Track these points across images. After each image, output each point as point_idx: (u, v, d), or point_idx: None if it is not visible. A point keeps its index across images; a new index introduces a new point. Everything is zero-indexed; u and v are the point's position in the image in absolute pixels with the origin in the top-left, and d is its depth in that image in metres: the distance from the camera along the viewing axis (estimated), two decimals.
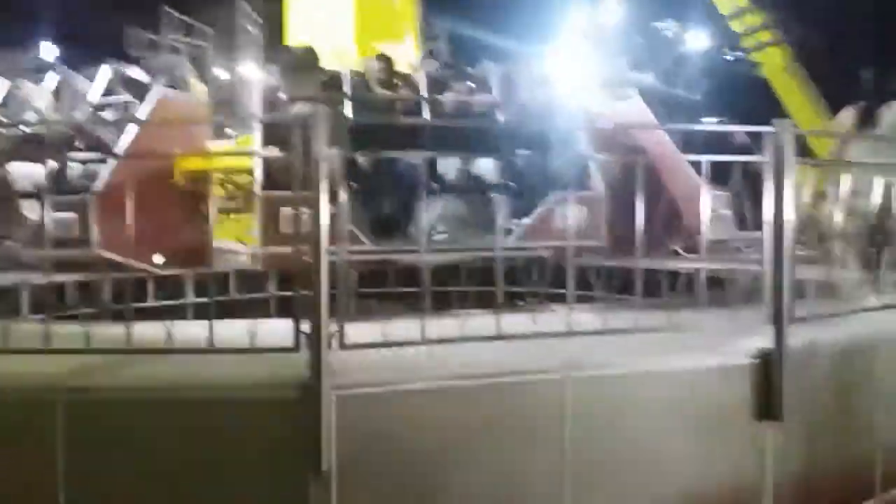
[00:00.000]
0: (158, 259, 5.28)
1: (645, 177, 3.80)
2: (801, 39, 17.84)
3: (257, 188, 5.33)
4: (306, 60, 6.10)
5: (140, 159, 5.18)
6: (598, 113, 6.35)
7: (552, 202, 5.04)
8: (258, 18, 22.79)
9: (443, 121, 5.55)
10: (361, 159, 5.07)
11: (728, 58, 18.14)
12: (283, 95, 5.72)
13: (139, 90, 5.89)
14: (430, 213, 4.98)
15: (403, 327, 3.48)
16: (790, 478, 3.78)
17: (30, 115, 6.05)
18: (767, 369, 3.73)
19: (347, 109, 5.73)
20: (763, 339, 3.78)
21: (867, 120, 6.33)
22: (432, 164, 4.74)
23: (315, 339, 3.10)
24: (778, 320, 3.78)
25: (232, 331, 3.43)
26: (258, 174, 5.23)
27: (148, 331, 3.60)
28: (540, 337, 3.57)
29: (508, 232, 5.13)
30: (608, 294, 6.30)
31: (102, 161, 5.22)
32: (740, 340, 3.86)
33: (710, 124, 6.22)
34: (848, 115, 6.67)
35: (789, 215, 3.82)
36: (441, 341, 3.43)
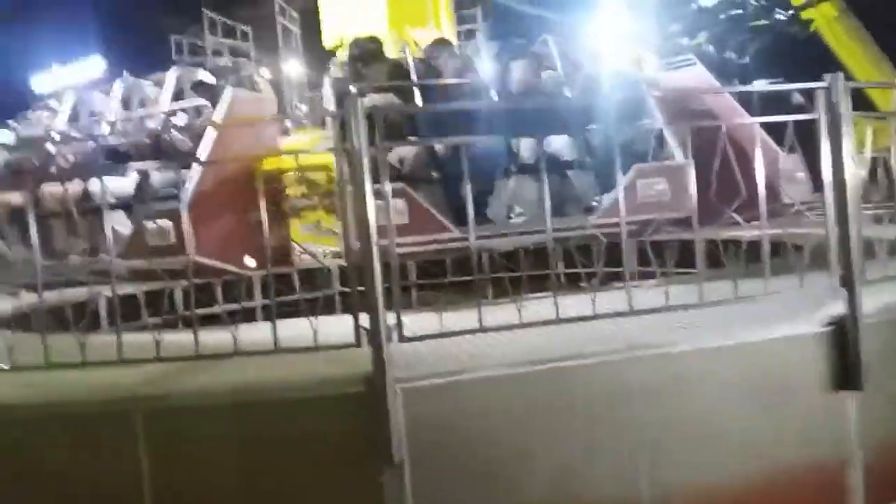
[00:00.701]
0: (250, 261, 5.37)
1: (722, 143, 3.70)
2: None
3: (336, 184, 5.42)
4: (372, 50, 6.09)
5: (221, 163, 5.22)
6: (663, 81, 6.21)
7: (633, 176, 4.90)
8: (294, 14, 23.04)
9: (510, 102, 5.48)
10: (439, 147, 5.03)
11: (780, 17, 17.55)
12: (352, 87, 5.70)
13: (207, 93, 5.93)
14: (507, 195, 4.96)
15: (463, 316, 3.47)
16: (876, 448, 3.64)
17: (103, 127, 6.08)
18: (842, 336, 3.59)
19: (416, 97, 5.67)
20: (836, 306, 3.65)
21: None
22: (507, 146, 4.70)
23: (375, 334, 3.13)
24: (849, 284, 3.63)
25: (297, 330, 3.47)
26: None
27: (216, 336, 3.69)
28: (600, 318, 3.50)
29: (590, 210, 5.04)
30: (669, 269, 6.18)
31: (185, 167, 5.26)
32: (812, 307, 3.73)
33: (761, 85, 6.00)
34: None
35: (850, 173, 3.66)
36: (499, 328, 3.41)
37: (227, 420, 3.15)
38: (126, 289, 6.15)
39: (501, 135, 4.94)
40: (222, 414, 3.18)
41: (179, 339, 3.62)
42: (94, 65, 28.46)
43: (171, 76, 6.11)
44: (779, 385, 3.51)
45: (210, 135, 5.30)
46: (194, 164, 5.17)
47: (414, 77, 5.83)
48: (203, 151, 5.23)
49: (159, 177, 5.29)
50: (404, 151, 5.05)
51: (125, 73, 6.52)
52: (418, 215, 4.73)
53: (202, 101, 5.80)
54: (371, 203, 3.18)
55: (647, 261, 6.09)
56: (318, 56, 13.78)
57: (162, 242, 4.74)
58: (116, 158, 5.62)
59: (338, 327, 3.32)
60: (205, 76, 6.10)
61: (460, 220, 4.75)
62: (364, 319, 3.17)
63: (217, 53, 24.30)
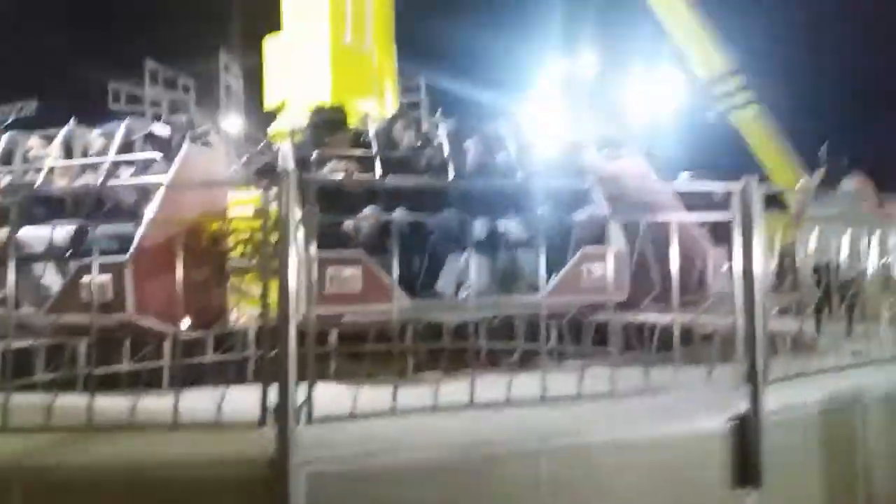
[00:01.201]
0: (186, 323, 5.14)
1: (658, 233, 3.84)
2: (775, 100, 18.61)
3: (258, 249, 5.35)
4: (336, 118, 6.10)
5: (168, 220, 5.00)
6: (604, 169, 6.44)
7: (579, 259, 5.04)
8: (239, 71, 23.01)
9: (467, 180, 5.61)
10: (397, 217, 5.06)
11: (707, 118, 18.81)
12: (313, 154, 5.69)
13: (159, 146, 5.78)
14: (458, 270, 5.00)
15: (382, 392, 3.41)
16: None
17: (39, 173, 5.78)
18: (744, 433, 3.67)
19: (377, 168, 5.70)
20: (741, 401, 3.75)
21: (832, 183, 6.61)
22: (461, 222, 4.77)
23: (282, 414, 3.03)
24: (753, 381, 3.75)
25: (207, 399, 3.33)
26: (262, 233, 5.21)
27: (118, 402, 3.50)
28: (514, 405, 3.50)
29: (537, 288, 5.15)
30: (587, 349, 6.28)
31: (128, 221, 5.06)
32: (719, 401, 3.81)
33: (682, 181, 6.30)
34: (811, 179, 7.06)
35: (759, 271, 3.82)
36: (412, 411, 3.36)
37: (113, 498, 2.96)
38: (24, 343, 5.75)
39: (456, 210, 5.04)
40: (113, 492, 2.99)
41: (78, 402, 3.42)
42: (27, 107, 27.60)
43: (121, 127, 5.98)
44: (685, 480, 3.55)
45: (160, 190, 5.17)
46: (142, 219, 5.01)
47: (374, 148, 5.91)
48: (152, 206, 5.07)
49: (99, 229, 5.06)
50: (359, 220, 5.06)
51: (72, 119, 6.33)
52: (372, 284, 4.71)
53: (154, 155, 5.67)
54: (293, 272, 3.14)
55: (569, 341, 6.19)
56: (258, 115, 13.84)
57: (99, 298, 4.49)
58: (51, 207, 5.38)
59: (251, 398, 3.20)
60: (159, 129, 5.96)
61: (411, 291, 4.78)
62: (273, 394, 3.07)
63: (156, 104, 24.09)
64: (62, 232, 5.08)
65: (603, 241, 5.25)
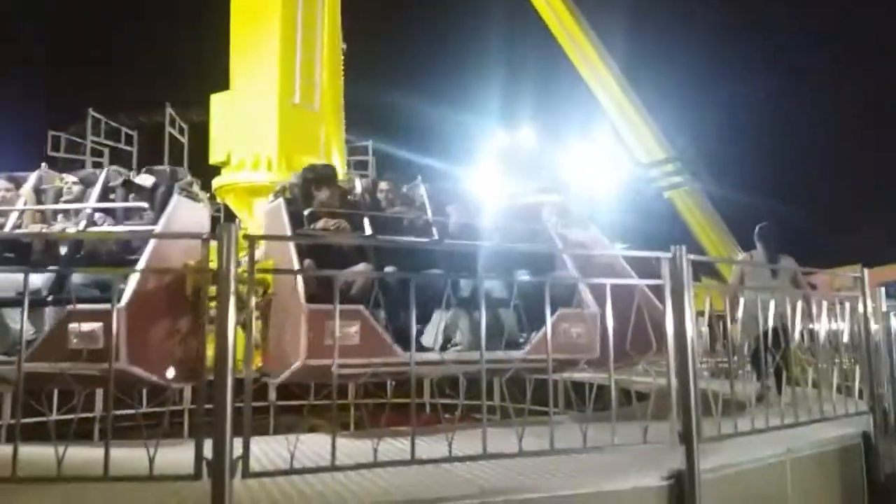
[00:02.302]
0: (171, 373, 4.96)
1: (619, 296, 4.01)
2: (709, 183, 19.86)
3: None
4: (327, 175, 6.18)
5: (158, 270, 4.95)
6: (567, 237, 6.76)
7: (556, 319, 5.18)
8: (184, 125, 22.93)
9: (448, 240, 5.86)
10: (388, 271, 5.11)
11: (643, 194, 19.87)
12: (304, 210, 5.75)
13: (143, 195, 5.67)
14: (443, 325, 5.08)
15: (322, 445, 3.35)
16: None
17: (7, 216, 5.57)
18: (680, 491, 3.75)
19: (365, 225, 5.84)
20: (676, 458, 3.82)
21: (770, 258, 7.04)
22: (446, 280, 4.91)
23: (217, 467, 2.95)
24: (688, 440, 3.84)
25: (136, 454, 3.21)
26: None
27: (45, 453, 3.34)
28: (455, 461, 3.49)
29: (515, 346, 5.22)
30: (527, 407, 6.33)
31: (115, 266, 4.88)
32: (655, 458, 3.89)
33: (620, 250, 6.57)
34: (749, 255, 7.56)
35: (690, 335, 3.96)
36: (354, 467, 3.32)
37: None
38: None
39: (441, 269, 5.21)
40: None
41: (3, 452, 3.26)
42: None
43: (102, 174, 5.89)
44: None
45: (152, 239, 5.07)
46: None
47: (362, 206, 6.10)
48: (144, 254, 4.93)
49: (79, 276, 4.88)
50: (352, 275, 5.07)
51: (43, 164, 6.19)
52: (369, 337, 4.72)
53: (140, 204, 5.55)
54: (231, 324, 3.10)
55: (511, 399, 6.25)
56: (202, 169, 13.75)
57: (87, 346, 4.27)
58: (20, 252, 5.16)
59: (188, 453, 3.11)
60: (141, 178, 5.85)
61: (403, 345, 4.79)
62: (208, 447, 2.99)
63: (97, 153, 23.67)
64: (40, 277, 4.88)
65: (573, 303, 5.50)
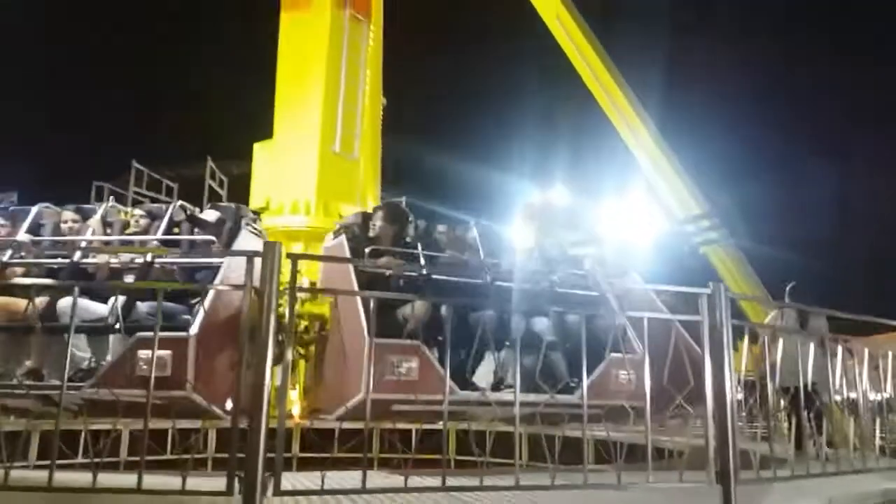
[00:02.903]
0: (229, 404, 5.03)
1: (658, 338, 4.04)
2: (744, 238, 19.82)
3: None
4: (399, 215, 6.35)
5: (225, 303, 4.98)
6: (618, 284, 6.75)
7: (608, 363, 5.23)
8: (223, 178, 23.57)
9: (502, 282, 5.79)
10: (444, 310, 5.20)
11: (681, 249, 19.84)
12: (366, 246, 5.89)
13: (211, 230, 5.84)
14: (496, 365, 5.12)
15: (346, 477, 3.35)
16: None
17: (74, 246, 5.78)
18: None
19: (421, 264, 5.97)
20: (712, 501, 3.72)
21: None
22: (500, 321, 4.95)
23: (250, 484, 2.95)
24: (724, 481, 3.74)
25: (168, 481, 3.23)
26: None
27: (77, 478, 3.40)
28: (488, 490, 3.44)
29: (565, 390, 5.18)
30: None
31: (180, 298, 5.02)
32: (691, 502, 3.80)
33: (655, 287, 6.52)
34: (779, 313, 7.47)
35: (729, 373, 3.89)
36: (384, 490, 3.30)
37: None
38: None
39: (493, 310, 5.21)
40: None
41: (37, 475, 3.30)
42: (8, 197, 27.68)
43: (170, 209, 6.12)
44: None
45: (222, 270, 5.19)
46: (207, 295, 4.94)
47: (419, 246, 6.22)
48: (216, 286, 5.03)
49: (145, 305, 5.00)
50: (412, 310, 5.12)
51: (111, 198, 6.46)
52: (427, 374, 4.74)
53: (208, 238, 5.73)
54: (270, 361, 3.13)
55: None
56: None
57: (156, 374, 4.34)
58: (84, 280, 5.31)
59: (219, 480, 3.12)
60: (207, 214, 6.05)
61: (460, 383, 4.83)
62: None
63: (138, 203, 24.28)
64: (104, 306, 5.01)
65: (619, 348, 5.46)
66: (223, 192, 24.22)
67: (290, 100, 12.34)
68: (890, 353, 5.73)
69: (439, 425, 3.63)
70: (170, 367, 4.35)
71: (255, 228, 6.05)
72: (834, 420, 6.04)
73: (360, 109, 12.62)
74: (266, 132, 13.54)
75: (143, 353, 4.33)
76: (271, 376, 3.15)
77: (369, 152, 13.70)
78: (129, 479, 3.20)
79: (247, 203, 13.81)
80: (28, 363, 4.66)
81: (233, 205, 6.27)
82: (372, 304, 3.66)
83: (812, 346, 5.40)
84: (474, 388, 4.94)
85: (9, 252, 5.55)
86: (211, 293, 4.91)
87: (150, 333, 4.25)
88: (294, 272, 3.41)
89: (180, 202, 6.27)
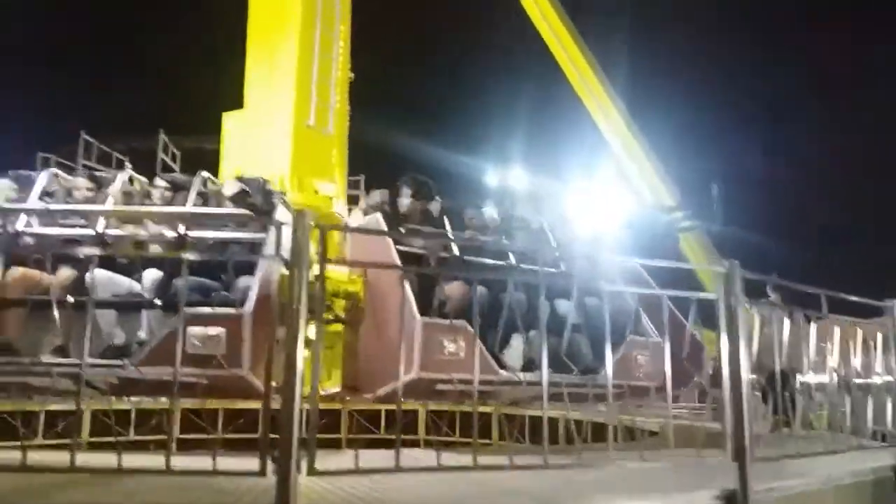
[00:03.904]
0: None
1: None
2: (716, 225, 20.21)
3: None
4: (426, 192, 6.23)
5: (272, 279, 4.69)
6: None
7: (628, 345, 5.27)
8: (176, 151, 22.84)
9: (527, 264, 5.79)
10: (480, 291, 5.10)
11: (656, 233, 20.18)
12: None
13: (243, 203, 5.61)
14: (526, 347, 5.09)
15: (380, 458, 3.26)
16: None
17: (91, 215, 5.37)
18: None
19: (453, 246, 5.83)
20: (729, 480, 3.77)
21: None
22: (527, 303, 4.90)
23: (283, 464, 2.85)
24: (741, 457, 3.79)
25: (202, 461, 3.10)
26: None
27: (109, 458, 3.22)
28: (516, 469, 3.41)
29: (589, 371, 5.14)
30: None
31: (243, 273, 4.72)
32: (707, 480, 3.83)
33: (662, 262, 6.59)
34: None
35: (744, 350, 3.94)
36: (418, 469, 3.23)
37: None
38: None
39: (520, 291, 5.12)
40: None
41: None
42: None
43: (195, 180, 5.87)
44: None
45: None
46: (257, 271, 4.69)
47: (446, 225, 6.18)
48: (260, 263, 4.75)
49: (180, 280, 4.69)
50: (449, 291, 5.01)
51: (128, 165, 6.07)
52: (470, 354, 4.64)
53: (243, 212, 5.49)
54: (301, 345, 3.02)
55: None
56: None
57: (209, 352, 4.10)
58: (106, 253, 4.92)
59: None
60: (230, 187, 5.77)
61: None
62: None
63: (91, 179, 23.42)
64: (146, 279, 4.73)
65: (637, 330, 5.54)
66: (176, 167, 23.55)
67: (261, 70, 11.97)
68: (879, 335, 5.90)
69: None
70: (224, 345, 4.13)
71: (287, 202, 5.83)
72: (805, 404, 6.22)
73: (333, 83, 12.33)
74: (220, 106, 13.08)
75: (195, 330, 4.07)
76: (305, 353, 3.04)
77: (339, 128, 13.43)
78: (158, 460, 3.06)
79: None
80: (54, 340, 4.35)
81: (259, 178, 6.01)
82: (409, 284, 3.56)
83: (787, 328, 5.57)
84: (506, 368, 4.92)
85: (22, 219, 5.19)
86: (261, 269, 4.69)
87: (203, 309, 4.03)
88: (324, 243, 3.30)
89: (206, 173, 5.95)
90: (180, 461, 2.94)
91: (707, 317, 4.61)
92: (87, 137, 23.91)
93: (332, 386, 7.52)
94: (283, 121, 11.51)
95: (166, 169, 23.82)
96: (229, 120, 12.43)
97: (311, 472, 2.99)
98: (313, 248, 3.23)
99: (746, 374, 3.92)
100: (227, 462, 3.02)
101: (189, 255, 3.52)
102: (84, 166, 24.41)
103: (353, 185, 22.41)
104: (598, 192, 18.74)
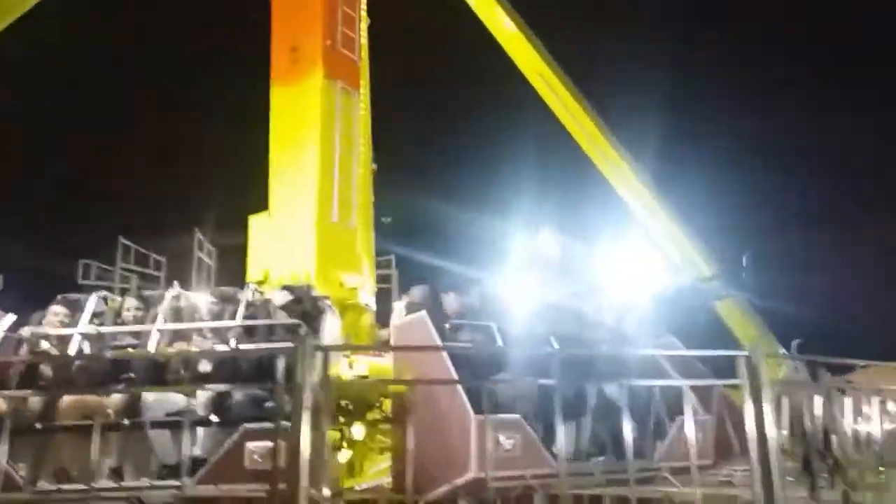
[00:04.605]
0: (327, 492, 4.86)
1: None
2: (753, 292, 19.95)
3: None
4: (458, 288, 6.40)
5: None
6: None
7: (678, 426, 5.27)
8: (211, 248, 23.34)
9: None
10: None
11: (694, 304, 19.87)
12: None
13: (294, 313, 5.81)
14: (583, 434, 5.21)
15: None
16: None
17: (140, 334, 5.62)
18: None
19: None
20: None
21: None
22: (578, 391, 5.06)
23: None
24: None
25: None
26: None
27: None
28: None
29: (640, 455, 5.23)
30: None
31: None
32: None
33: (694, 352, 6.53)
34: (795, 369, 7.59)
35: (771, 432, 3.91)
36: None
37: None
38: None
39: (570, 381, 5.18)
40: None
41: None
42: None
43: (244, 294, 6.08)
44: None
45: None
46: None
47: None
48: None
49: (239, 394, 4.85)
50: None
51: (175, 283, 6.34)
52: (527, 449, 4.78)
53: (293, 321, 5.66)
54: (307, 442, 3.11)
55: None
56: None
57: (266, 466, 4.21)
58: (156, 371, 5.18)
59: None
60: (280, 297, 6.00)
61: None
62: None
63: (126, 280, 24.10)
64: (200, 395, 4.89)
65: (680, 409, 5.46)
66: (212, 264, 24.11)
67: (284, 172, 12.42)
68: None
69: None
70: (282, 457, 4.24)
71: (332, 308, 6.01)
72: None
73: (355, 178, 12.71)
74: (253, 202, 13.51)
75: (252, 446, 4.19)
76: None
77: (363, 218, 13.75)
78: None
79: (233, 279, 13.71)
80: (109, 462, 4.51)
81: (305, 286, 6.25)
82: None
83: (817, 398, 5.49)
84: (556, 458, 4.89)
85: (76, 343, 5.40)
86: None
87: (256, 425, 4.11)
88: (326, 363, 3.44)
89: (253, 286, 6.19)
90: None
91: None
92: (125, 241, 24.68)
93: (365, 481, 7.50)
94: (306, 220, 11.86)
95: (201, 266, 24.40)
96: (255, 222, 12.85)
97: None
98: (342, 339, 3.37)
99: (776, 458, 3.89)
100: None
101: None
102: (123, 269, 25.19)
103: (386, 264, 22.74)
104: (629, 261, 18.62)
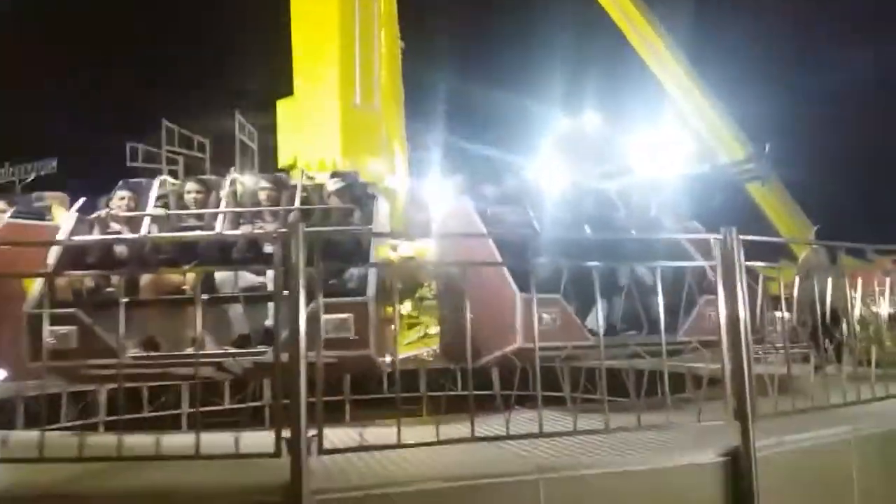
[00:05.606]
0: (388, 359, 5.47)
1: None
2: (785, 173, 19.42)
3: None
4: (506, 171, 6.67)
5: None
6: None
7: (703, 304, 5.53)
8: (253, 129, 23.49)
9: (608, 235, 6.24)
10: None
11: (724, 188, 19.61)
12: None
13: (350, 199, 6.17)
14: (611, 312, 5.50)
15: (388, 432, 3.61)
16: None
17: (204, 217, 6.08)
18: (737, 467, 3.83)
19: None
20: (732, 437, 3.90)
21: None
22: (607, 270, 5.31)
23: (294, 444, 3.24)
24: (742, 417, 3.92)
25: (222, 440, 3.55)
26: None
27: (142, 440, 3.77)
28: (514, 439, 3.70)
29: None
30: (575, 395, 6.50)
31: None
32: (711, 437, 3.98)
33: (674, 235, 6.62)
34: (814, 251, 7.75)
35: (742, 314, 4.03)
36: (416, 445, 3.56)
37: None
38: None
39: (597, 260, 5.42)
40: None
41: (103, 441, 3.64)
42: (47, 165, 28.56)
43: (298, 179, 6.46)
44: None
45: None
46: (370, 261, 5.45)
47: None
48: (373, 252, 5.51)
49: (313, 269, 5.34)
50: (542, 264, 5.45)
51: (232, 169, 6.67)
52: (564, 323, 5.21)
53: (349, 206, 6.05)
54: (303, 316, 3.36)
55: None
56: (272, 171, 14.32)
57: (339, 335, 4.78)
58: (224, 252, 5.63)
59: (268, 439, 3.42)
60: (333, 183, 6.31)
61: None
62: (287, 431, 3.28)
63: (172, 162, 24.73)
64: (269, 273, 5.22)
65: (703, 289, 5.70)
66: (254, 146, 24.49)
67: (305, 56, 12.34)
68: None
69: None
70: (352, 329, 4.78)
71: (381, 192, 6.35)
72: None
73: (377, 60, 12.55)
74: (287, 84, 13.57)
75: (326, 317, 4.58)
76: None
77: (391, 100, 13.68)
78: (187, 440, 3.53)
79: (276, 159, 14.00)
80: (190, 333, 4.97)
81: (354, 171, 6.53)
82: None
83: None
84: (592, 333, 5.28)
85: (146, 225, 5.83)
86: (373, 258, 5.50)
87: (332, 299, 4.55)
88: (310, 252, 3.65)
89: (306, 172, 6.50)
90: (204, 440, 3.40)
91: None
92: (169, 124, 25.15)
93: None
94: (329, 104, 11.90)
95: (243, 147, 24.83)
96: (282, 107, 12.96)
97: (321, 451, 3.37)
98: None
99: (746, 337, 4.02)
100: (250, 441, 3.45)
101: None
102: (169, 151, 25.81)
103: (423, 146, 22.77)
104: (663, 142, 18.29)
